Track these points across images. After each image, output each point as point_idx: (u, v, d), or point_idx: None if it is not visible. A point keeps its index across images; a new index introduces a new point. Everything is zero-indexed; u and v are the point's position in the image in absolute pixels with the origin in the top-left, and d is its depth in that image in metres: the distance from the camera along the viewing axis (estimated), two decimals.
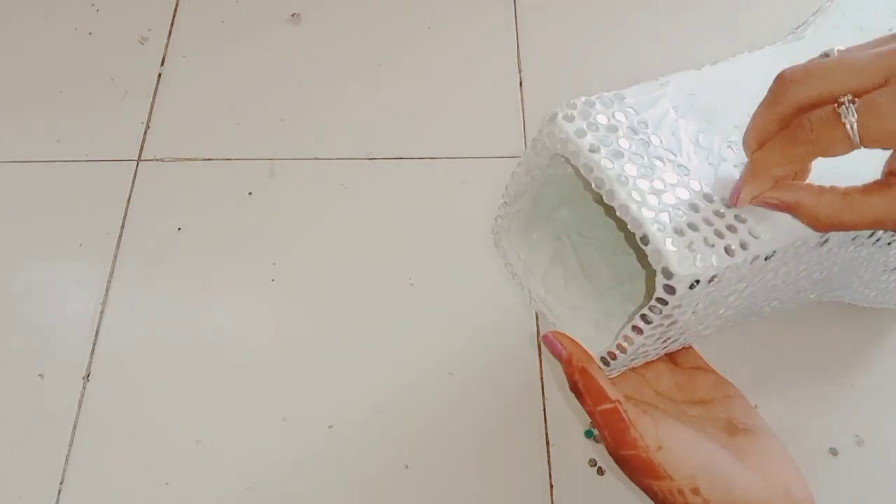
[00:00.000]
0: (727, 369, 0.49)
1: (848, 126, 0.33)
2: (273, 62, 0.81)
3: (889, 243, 0.47)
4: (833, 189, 0.37)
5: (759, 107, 0.37)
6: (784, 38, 0.50)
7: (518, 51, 0.81)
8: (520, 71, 0.80)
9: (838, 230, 0.37)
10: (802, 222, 0.37)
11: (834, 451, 0.61)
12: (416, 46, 0.82)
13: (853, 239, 0.43)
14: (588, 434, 0.61)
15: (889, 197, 0.35)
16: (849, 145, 0.34)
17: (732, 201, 0.38)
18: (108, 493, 0.60)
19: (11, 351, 0.65)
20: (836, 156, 0.35)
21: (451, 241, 0.70)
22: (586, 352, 0.43)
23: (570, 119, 0.40)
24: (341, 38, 0.82)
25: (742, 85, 0.44)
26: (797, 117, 0.35)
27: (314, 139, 0.76)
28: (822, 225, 0.37)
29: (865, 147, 0.34)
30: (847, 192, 0.36)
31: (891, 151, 0.36)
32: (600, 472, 0.60)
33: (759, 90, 0.36)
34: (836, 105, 0.34)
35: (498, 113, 0.77)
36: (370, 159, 0.75)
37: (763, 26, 0.79)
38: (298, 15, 0.84)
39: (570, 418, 0.62)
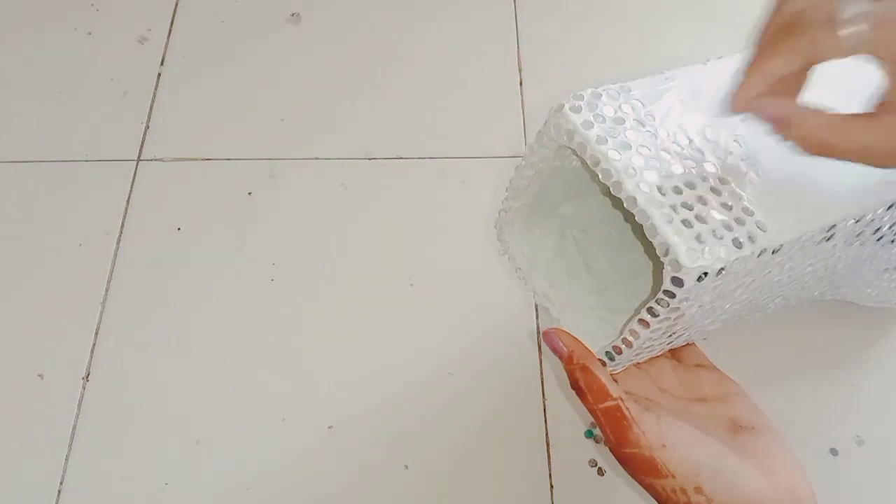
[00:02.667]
0: (728, 368, 0.49)
1: (846, 31, 0.34)
2: (273, 62, 0.81)
3: (892, 241, 0.47)
4: (824, 112, 0.37)
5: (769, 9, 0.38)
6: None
7: (518, 51, 0.81)
8: (520, 71, 0.80)
9: (825, 155, 0.37)
10: (790, 139, 0.37)
11: (834, 451, 0.61)
12: (416, 46, 0.82)
13: (858, 235, 0.43)
14: (588, 434, 0.61)
15: (877, 127, 0.36)
16: (841, 49, 0.34)
17: (730, 105, 0.37)
18: (108, 493, 0.60)
19: (11, 351, 0.65)
20: (827, 60, 0.35)
21: (451, 241, 0.70)
22: (587, 348, 0.43)
23: (577, 110, 0.40)
24: (341, 38, 0.82)
25: None
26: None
27: (314, 139, 0.76)
28: (809, 144, 0.37)
29: (858, 54, 0.35)
30: (838, 117, 0.37)
31: (883, 84, 0.36)
32: (600, 472, 0.60)
33: None
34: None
35: (498, 113, 0.77)
36: (370, 159, 0.75)
37: None
38: (298, 15, 0.84)
39: (570, 418, 0.62)
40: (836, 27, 0.34)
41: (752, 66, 0.37)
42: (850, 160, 0.37)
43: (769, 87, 0.37)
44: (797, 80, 0.38)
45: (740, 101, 0.37)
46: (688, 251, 0.35)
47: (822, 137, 0.36)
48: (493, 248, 0.68)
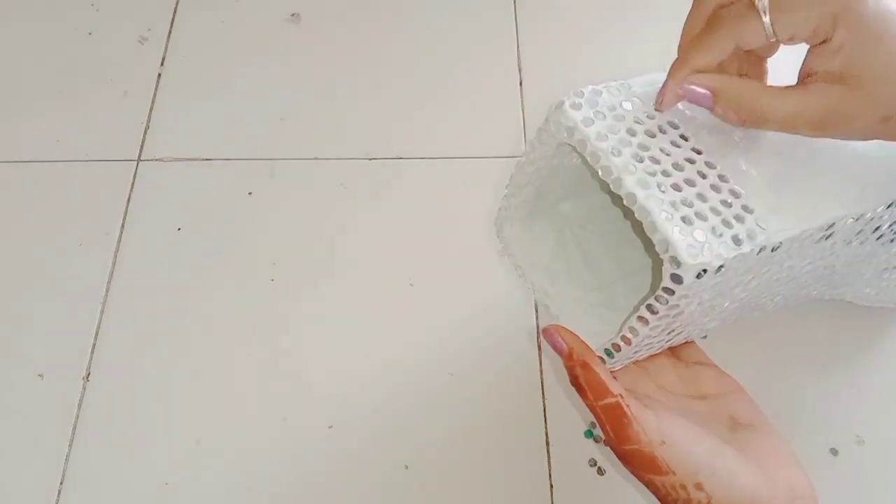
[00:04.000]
0: (729, 367, 0.49)
1: (763, 15, 0.37)
2: (273, 62, 0.81)
3: (892, 240, 0.47)
4: (752, 81, 0.39)
5: (688, 13, 0.41)
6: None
7: (518, 51, 0.81)
8: (520, 71, 0.80)
9: (756, 124, 0.39)
10: (719, 113, 0.39)
11: (834, 451, 0.61)
12: (416, 46, 0.82)
13: (857, 234, 0.43)
14: (588, 434, 0.61)
15: (805, 96, 0.38)
16: (763, 35, 0.37)
17: (658, 101, 0.40)
18: (108, 493, 0.60)
19: (11, 351, 0.65)
20: (752, 47, 0.38)
21: (451, 241, 0.70)
22: (587, 345, 0.43)
23: (578, 107, 0.40)
24: (341, 38, 0.82)
25: None
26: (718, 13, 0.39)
27: (314, 139, 0.76)
28: (740, 113, 0.38)
29: (779, 37, 0.37)
30: (766, 86, 0.39)
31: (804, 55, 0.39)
32: (600, 472, 0.60)
33: None
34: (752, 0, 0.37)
35: (498, 113, 0.77)
36: (370, 159, 0.75)
37: None
38: (298, 15, 0.84)
39: (570, 418, 0.62)
40: (757, 14, 0.37)
41: (678, 62, 0.40)
42: (779, 129, 0.39)
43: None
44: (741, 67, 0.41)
45: (668, 97, 0.39)
46: (687, 248, 0.35)
47: (752, 106, 0.38)
48: (493, 248, 0.68)
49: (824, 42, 0.37)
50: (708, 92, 0.39)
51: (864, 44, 0.36)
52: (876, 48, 0.36)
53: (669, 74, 0.39)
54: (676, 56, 0.40)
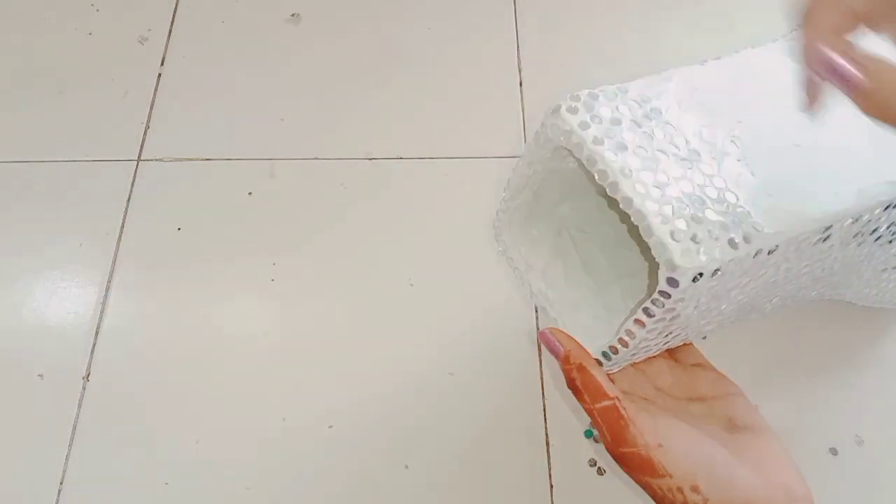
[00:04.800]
0: (727, 368, 0.49)
1: None
2: (273, 62, 0.81)
3: (890, 241, 0.47)
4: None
5: None
6: (786, 35, 0.50)
7: (518, 51, 0.81)
8: (520, 71, 0.80)
9: (891, 121, 0.31)
10: (859, 95, 0.31)
11: (834, 451, 0.61)
12: (416, 46, 0.82)
13: (855, 236, 0.43)
14: (588, 434, 0.61)
15: None
16: None
17: (807, 60, 0.32)
18: (108, 493, 0.60)
19: (11, 351, 0.65)
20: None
21: (451, 241, 0.70)
22: (583, 348, 0.43)
23: (574, 111, 0.40)
24: (341, 38, 0.82)
25: (745, 80, 0.44)
26: None
27: (314, 139, 0.76)
28: (882, 104, 0.30)
29: None
30: None
31: None
32: (600, 472, 0.60)
33: (761, 85, 0.36)
34: None
35: (498, 113, 0.77)
36: (370, 159, 0.75)
37: (762, 24, 0.79)
38: (298, 15, 0.84)
39: (570, 418, 0.62)
40: None
41: (809, 17, 0.33)
42: None
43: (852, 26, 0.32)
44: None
45: (810, 47, 0.32)
46: (683, 252, 0.35)
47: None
48: (493, 249, 0.68)
49: None
50: (859, 76, 0.31)
51: None
52: None
53: (804, 30, 0.32)
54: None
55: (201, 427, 0.62)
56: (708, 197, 0.38)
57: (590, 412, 0.42)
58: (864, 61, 0.31)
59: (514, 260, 0.50)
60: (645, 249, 0.47)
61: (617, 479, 0.60)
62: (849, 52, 0.31)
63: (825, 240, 0.41)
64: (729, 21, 0.82)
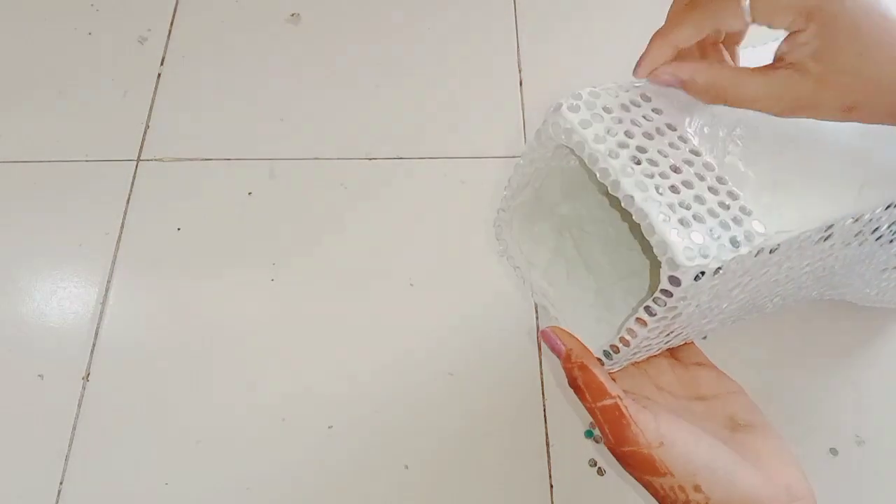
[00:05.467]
0: (728, 368, 0.49)
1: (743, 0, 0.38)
2: (273, 62, 0.81)
3: (891, 241, 0.47)
4: (725, 65, 0.42)
5: None
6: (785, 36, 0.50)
7: (518, 51, 0.81)
8: (520, 71, 0.80)
9: (723, 102, 0.41)
10: (693, 91, 0.41)
11: (834, 451, 0.61)
12: (416, 46, 0.82)
13: (856, 235, 0.43)
14: (588, 434, 0.61)
15: (771, 79, 0.39)
16: (741, 18, 0.39)
17: (635, 71, 0.42)
18: (108, 493, 0.60)
19: (11, 351, 0.65)
20: (730, 29, 0.41)
21: (451, 241, 0.70)
22: (585, 347, 0.43)
23: (576, 109, 0.40)
24: (341, 38, 0.82)
25: None
26: None
27: (314, 139, 0.76)
28: (708, 94, 0.41)
29: (756, 23, 0.39)
30: (737, 69, 0.41)
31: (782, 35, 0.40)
32: (600, 472, 0.60)
33: None
34: None
35: (498, 113, 0.77)
36: (370, 159, 0.75)
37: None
38: (298, 15, 0.84)
39: (570, 418, 0.62)
40: None
41: (658, 35, 0.42)
42: (745, 107, 0.40)
43: (675, 54, 0.42)
44: (716, 49, 0.44)
45: (644, 68, 0.42)
46: (685, 250, 0.35)
47: (720, 87, 0.40)
48: (493, 248, 0.68)
49: (798, 32, 0.38)
50: (677, 82, 0.41)
51: (832, 42, 0.37)
52: (844, 48, 0.37)
53: (647, 48, 0.42)
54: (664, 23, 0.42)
55: (201, 427, 0.62)
56: (710, 195, 0.38)
57: (591, 411, 0.42)
58: (687, 71, 0.41)
59: (515, 258, 0.49)
60: (646, 248, 0.47)
61: (617, 480, 0.60)
62: (673, 67, 0.41)
63: (826, 239, 0.41)
64: None
